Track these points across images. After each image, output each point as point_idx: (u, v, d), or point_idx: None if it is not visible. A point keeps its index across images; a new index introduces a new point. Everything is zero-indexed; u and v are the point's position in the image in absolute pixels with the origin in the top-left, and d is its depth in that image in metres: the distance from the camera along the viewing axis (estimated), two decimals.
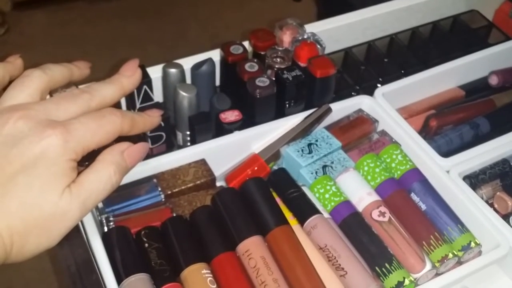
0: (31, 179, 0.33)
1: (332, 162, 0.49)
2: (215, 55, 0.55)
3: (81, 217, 0.35)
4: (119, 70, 0.40)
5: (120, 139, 0.37)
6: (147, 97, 0.51)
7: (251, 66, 0.52)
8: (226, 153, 0.50)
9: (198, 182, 0.47)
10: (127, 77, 0.40)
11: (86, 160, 0.37)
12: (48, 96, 0.39)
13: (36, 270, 1.07)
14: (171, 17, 1.78)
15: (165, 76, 0.52)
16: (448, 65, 0.58)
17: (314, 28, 0.60)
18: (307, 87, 0.53)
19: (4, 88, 0.37)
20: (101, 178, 0.36)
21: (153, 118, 0.41)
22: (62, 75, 0.38)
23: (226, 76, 0.56)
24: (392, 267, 0.42)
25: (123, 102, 0.52)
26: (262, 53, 0.55)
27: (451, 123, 0.56)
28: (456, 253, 0.44)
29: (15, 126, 0.34)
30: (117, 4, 1.79)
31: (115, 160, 0.37)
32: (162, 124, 0.47)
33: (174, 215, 0.44)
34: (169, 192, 0.46)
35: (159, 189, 0.46)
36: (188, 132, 0.53)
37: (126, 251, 0.40)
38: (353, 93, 0.60)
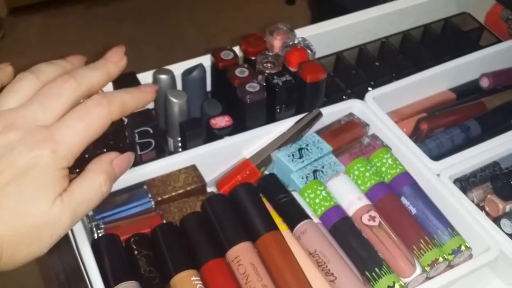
0: (22, 189, 0.33)
1: (323, 167, 0.49)
2: (206, 60, 0.55)
3: (71, 225, 0.36)
4: (104, 55, 0.39)
5: (108, 149, 0.38)
6: None
7: (241, 72, 0.52)
8: (217, 159, 0.50)
9: (189, 188, 0.47)
10: (114, 63, 0.39)
11: (77, 167, 0.37)
12: None
13: (31, 276, 1.07)
14: (168, 20, 1.78)
15: (155, 82, 0.52)
16: (439, 68, 0.58)
17: (305, 32, 0.60)
18: (298, 92, 0.53)
19: None
20: (92, 187, 0.36)
21: (145, 95, 0.39)
22: (55, 76, 0.37)
23: (217, 82, 0.56)
24: (382, 272, 0.42)
25: None
26: (253, 58, 0.55)
27: (442, 126, 0.56)
28: (446, 256, 0.44)
29: (4, 137, 0.34)
30: (114, 8, 1.80)
31: (105, 169, 0.37)
32: (151, 131, 0.47)
33: (164, 221, 0.44)
34: (159, 199, 0.46)
35: (149, 195, 0.46)
36: (179, 138, 0.53)
37: (116, 259, 0.40)
38: (344, 97, 0.60)
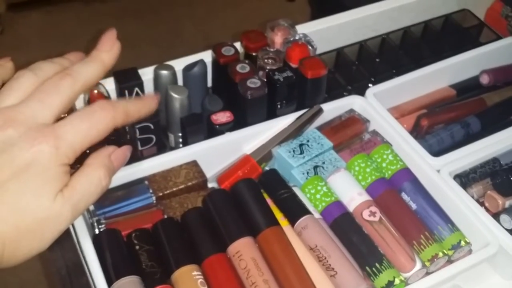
0: (23, 185, 0.33)
1: (324, 163, 0.49)
2: (207, 56, 0.55)
3: (73, 220, 0.35)
4: (97, 45, 0.38)
5: (108, 144, 0.38)
6: None
7: (242, 67, 0.52)
8: (218, 154, 0.50)
9: (190, 183, 0.47)
10: (107, 52, 0.38)
11: (77, 162, 0.37)
12: None
13: (33, 271, 1.07)
14: (166, 17, 1.78)
15: (156, 78, 0.52)
16: (439, 65, 0.58)
17: (305, 28, 0.60)
18: (299, 88, 0.53)
19: None
20: (92, 181, 0.36)
21: (147, 104, 0.39)
22: (53, 73, 0.38)
23: (218, 78, 0.56)
24: (383, 267, 0.42)
25: None
26: (254, 54, 0.55)
27: (442, 123, 0.56)
28: (446, 252, 0.44)
29: (4, 133, 0.34)
30: (112, 5, 1.79)
31: (104, 163, 0.37)
32: (152, 127, 0.47)
33: (165, 217, 0.44)
34: (161, 194, 0.46)
35: (151, 191, 0.46)
36: (180, 134, 0.53)
37: (117, 254, 0.41)
38: (345, 93, 0.60)
